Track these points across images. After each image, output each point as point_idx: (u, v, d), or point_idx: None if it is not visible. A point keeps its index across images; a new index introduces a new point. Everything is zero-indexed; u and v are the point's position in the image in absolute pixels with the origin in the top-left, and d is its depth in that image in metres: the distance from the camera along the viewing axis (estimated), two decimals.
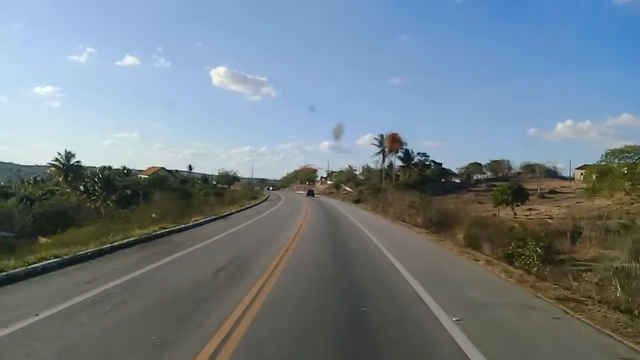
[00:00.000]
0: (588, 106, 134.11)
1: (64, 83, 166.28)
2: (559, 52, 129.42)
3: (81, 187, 49.72)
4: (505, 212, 50.08)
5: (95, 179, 49.15)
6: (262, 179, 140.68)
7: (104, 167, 53.94)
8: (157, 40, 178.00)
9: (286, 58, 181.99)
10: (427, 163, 79.48)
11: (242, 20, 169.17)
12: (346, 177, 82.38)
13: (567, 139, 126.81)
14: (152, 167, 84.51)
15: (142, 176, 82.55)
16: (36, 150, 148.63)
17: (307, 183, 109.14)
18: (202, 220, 16.51)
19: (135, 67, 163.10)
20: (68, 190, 49.99)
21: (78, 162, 54.40)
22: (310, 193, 69.26)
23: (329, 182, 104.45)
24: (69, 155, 53.34)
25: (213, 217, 18.65)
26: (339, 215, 24.63)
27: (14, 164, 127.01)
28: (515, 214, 49.46)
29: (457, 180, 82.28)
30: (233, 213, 21.72)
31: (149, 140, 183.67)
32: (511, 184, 49.69)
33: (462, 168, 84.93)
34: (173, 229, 13.00)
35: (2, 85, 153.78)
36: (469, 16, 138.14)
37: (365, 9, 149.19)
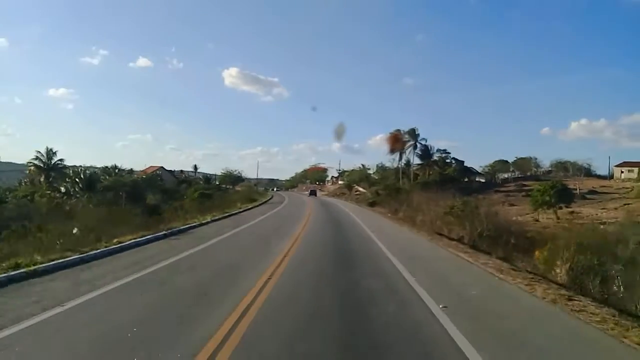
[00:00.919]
0: (602, 104, 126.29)
1: (77, 85, 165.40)
2: (575, 50, 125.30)
3: (62, 188, 44.59)
4: (545, 216, 43.10)
5: (77, 179, 43.86)
6: (272, 179, 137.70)
7: (106, 166, 48.77)
8: (170, 42, 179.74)
9: (298, 59, 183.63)
10: (448, 161, 72.42)
11: (254, 21, 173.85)
12: (359, 176, 75.87)
13: (582, 138, 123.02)
14: (151, 166, 79.46)
15: (138, 177, 77.81)
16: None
17: (317, 183, 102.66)
18: (128, 243, 10.35)
19: (148, 68, 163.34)
20: (48, 191, 44.85)
21: (61, 160, 49.26)
22: (313, 193, 67.82)
23: (340, 182, 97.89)
24: (50, 154, 48.16)
25: (158, 234, 12.49)
26: (352, 228, 18.17)
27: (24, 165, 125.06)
28: (557, 218, 42.29)
29: (482, 180, 74.90)
30: (195, 226, 15.50)
31: (162, 142, 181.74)
32: (554, 183, 42.39)
33: (487, 166, 77.49)
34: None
35: (17, 87, 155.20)
36: (483, 15, 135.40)
37: (379, 11, 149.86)
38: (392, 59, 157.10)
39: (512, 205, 52.33)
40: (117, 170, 53.59)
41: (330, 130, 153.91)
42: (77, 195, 43.30)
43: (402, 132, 66.28)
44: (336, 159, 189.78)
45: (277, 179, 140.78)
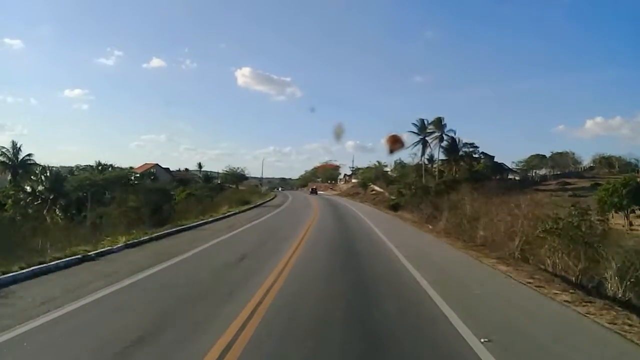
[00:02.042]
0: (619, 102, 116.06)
1: (92, 86, 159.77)
2: (590, 48, 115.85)
3: (27, 188, 37.91)
4: (613, 222, 34.50)
5: (42, 177, 37.08)
6: (284, 178, 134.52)
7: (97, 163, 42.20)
8: (183, 42, 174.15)
9: (311, 58, 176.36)
10: (476, 156, 63.67)
11: (267, 21, 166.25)
12: (375, 174, 67.79)
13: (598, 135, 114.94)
14: (146, 163, 72.86)
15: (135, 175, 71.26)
16: (65, 153, 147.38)
17: (329, 182, 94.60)
18: None
19: (161, 69, 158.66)
20: (12, 192, 38.35)
21: (29, 156, 42.49)
22: (314, 191, 66.96)
23: (353, 180, 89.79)
24: (16, 149, 41.51)
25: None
26: (376, 254, 10.55)
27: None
28: (630, 224, 33.71)
29: (516, 177, 65.87)
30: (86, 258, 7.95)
31: (176, 142, 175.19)
32: (627, 179, 33.39)
33: (520, 162, 68.37)
34: None
35: (33, 88, 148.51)
36: (496, 11, 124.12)
37: (390, 7, 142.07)
38: (403, 56, 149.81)
39: (560, 206, 43.96)
40: (100, 168, 46.97)
41: (346, 128, 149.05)
42: (42, 196, 36.59)
43: (426, 122, 57.76)
44: (349, 158, 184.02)
45: (290, 178, 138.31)
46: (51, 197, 36.13)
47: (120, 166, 46.90)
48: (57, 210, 33.78)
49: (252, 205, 28.83)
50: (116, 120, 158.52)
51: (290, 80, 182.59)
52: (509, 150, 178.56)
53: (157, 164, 71.93)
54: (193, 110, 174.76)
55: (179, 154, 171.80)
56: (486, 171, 59.07)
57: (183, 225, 14.46)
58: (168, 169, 77.01)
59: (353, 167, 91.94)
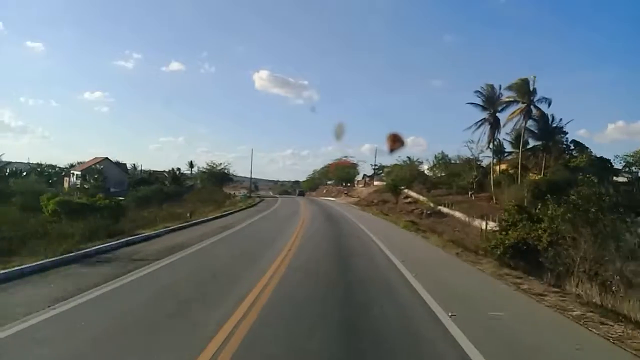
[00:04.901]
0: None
1: (112, 88, 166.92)
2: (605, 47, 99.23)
3: None
4: None
5: None
6: (297, 181, 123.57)
7: None
8: (201, 46, 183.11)
9: (328, 61, 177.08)
10: (564, 145, 42.00)
11: (285, 24, 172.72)
12: (410, 173, 47.10)
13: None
14: (95, 157, 54.04)
15: (76, 172, 52.47)
16: (86, 155, 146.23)
17: (343, 184, 73.43)
18: None
19: (180, 72, 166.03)
20: None
21: None
22: (301, 194, 67.23)
23: (375, 182, 69.02)
24: None
25: None
26: None
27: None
28: None
29: (623, 178, 43.77)
30: None
31: (194, 144, 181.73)
32: None
33: (627, 156, 45.99)
34: None
35: (54, 91, 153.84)
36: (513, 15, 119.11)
37: (409, 11, 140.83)
38: (421, 60, 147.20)
39: None
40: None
41: (362, 131, 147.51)
42: None
43: (496, 88, 36.60)
44: (368, 162, 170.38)
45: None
46: None
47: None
48: None
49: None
50: (135, 123, 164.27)
51: (308, 83, 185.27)
52: None
53: (106, 158, 52.90)
54: (211, 113, 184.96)
55: (196, 156, 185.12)
56: (589, 169, 37.37)
57: None
58: (125, 165, 58.12)
59: (375, 165, 71.06)
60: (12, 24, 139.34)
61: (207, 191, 37.33)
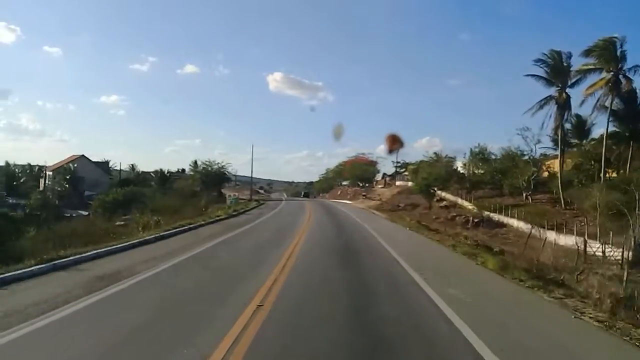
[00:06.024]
0: None
1: (128, 92, 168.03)
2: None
3: None
4: None
5: None
6: (311, 182, 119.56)
7: None
8: (216, 48, 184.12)
9: (342, 63, 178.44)
10: None
11: (300, 25, 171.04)
12: (445, 171, 38.08)
13: None
14: (72, 155, 46.86)
15: (49, 172, 45.39)
16: (103, 157, 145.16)
17: (360, 185, 64.26)
18: None
19: (195, 74, 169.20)
20: None
21: None
22: (306, 195, 62.80)
23: (397, 182, 60.06)
24: None
25: None
26: None
27: None
28: None
29: None
30: None
31: (209, 146, 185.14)
32: None
33: None
34: None
35: (71, 94, 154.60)
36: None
37: (424, 10, 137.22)
38: (438, 61, 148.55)
39: None
40: None
41: (376, 133, 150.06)
42: None
43: (565, 57, 27.44)
44: (381, 163, 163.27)
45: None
46: None
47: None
48: None
49: None
50: (151, 126, 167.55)
51: (322, 84, 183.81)
52: None
53: (82, 156, 45.57)
54: (226, 115, 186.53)
55: (212, 158, 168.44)
56: None
57: None
58: (107, 163, 50.55)
59: (398, 163, 62.08)
60: (31, 29, 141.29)
61: (183, 195, 29.37)
